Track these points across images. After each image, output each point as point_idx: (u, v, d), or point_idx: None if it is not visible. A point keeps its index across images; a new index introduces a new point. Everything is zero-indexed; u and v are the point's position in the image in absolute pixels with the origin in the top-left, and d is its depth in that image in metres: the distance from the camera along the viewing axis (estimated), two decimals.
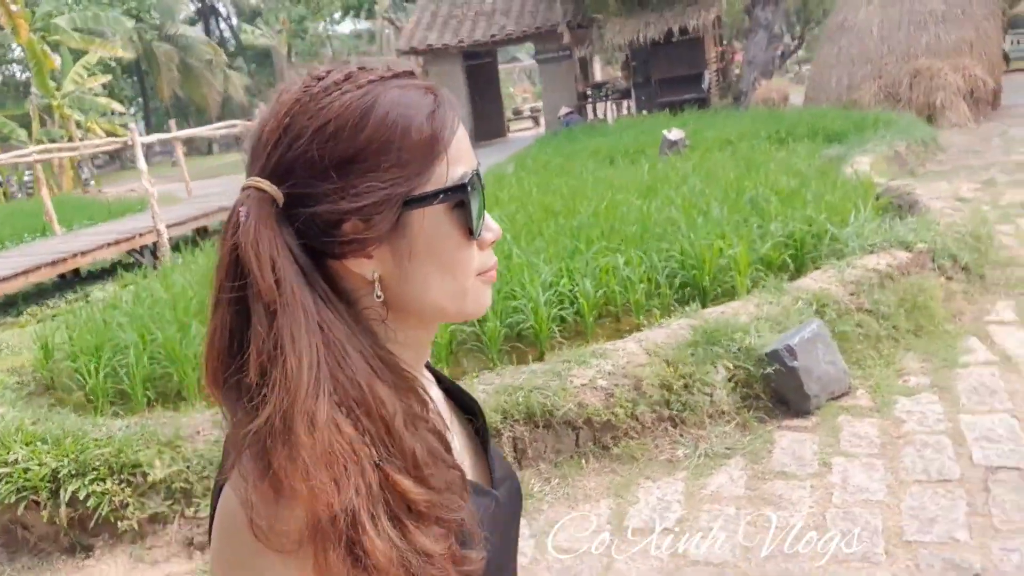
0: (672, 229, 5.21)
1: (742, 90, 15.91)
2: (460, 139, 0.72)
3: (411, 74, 0.73)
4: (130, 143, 9.10)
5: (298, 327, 0.64)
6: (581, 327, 4.47)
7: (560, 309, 4.46)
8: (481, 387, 3.65)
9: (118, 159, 36.52)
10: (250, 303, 0.65)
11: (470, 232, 0.71)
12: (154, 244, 8.80)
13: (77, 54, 21.34)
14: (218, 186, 16.55)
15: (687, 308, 4.24)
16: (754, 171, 6.98)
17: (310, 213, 0.67)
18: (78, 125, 20.37)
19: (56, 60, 19.78)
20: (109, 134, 20.56)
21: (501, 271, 4.71)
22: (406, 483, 0.66)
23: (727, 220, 5.14)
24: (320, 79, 0.70)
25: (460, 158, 0.71)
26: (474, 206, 0.71)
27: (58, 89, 19.53)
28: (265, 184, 0.67)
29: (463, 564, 0.69)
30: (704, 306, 4.47)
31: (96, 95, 21.79)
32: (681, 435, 3.62)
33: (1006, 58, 21.41)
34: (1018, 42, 22.00)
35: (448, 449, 0.74)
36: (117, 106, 20.86)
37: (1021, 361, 3.93)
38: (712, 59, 17.30)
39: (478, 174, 0.73)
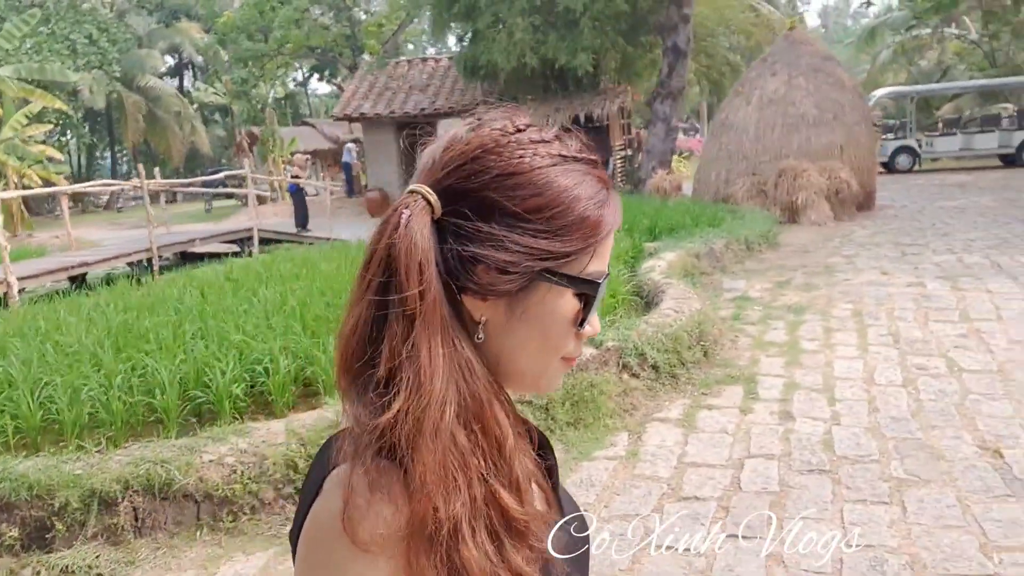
0: None
1: (641, 177, 16.57)
2: (610, 240, 0.77)
3: (596, 163, 0.77)
4: None
5: (435, 335, 0.67)
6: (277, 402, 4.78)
7: (252, 385, 4.78)
8: (118, 457, 3.93)
9: (80, 204, 36.86)
10: (390, 302, 0.68)
11: (579, 323, 0.76)
12: (4, 294, 9.06)
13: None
14: (134, 235, 16.86)
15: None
16: None
17: (456, 244, 0.70)
18: (15, 171, 20.68)
19: None
20: (44, 181, 20.92)
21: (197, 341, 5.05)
22: (509, 500, 0.69)
23: None
24: (520, 131, 0.74)
25: (603, 257, 0.76)
26: (593, 304, 0.76)
27: None
28: (433, 197, 0.71)
29: None
30: None
31: (38, 142, 22.18)
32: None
33: (916, 157, 22.46)
34: (931, 144, 23.01)
35: (544, 480, 0.78)
36: (55, 154, 21.24)
37: (643, 458, 4.27)
38: (618, 146, 18.03)
39: (607, 277, 0.78)
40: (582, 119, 17.18)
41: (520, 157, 0.71)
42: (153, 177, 31.65)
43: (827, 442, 4.25)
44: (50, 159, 21.16)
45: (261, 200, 21.58)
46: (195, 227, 16.13)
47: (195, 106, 42.25)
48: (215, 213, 23.35)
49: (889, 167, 22.63)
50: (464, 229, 0.70)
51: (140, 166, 12.24)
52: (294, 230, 15.09)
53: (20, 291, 9.27)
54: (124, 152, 46.16)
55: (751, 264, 9.46)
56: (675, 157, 23.61)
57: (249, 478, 3.89)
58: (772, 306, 7.33)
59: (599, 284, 0.75)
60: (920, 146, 22.85)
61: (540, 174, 0.71)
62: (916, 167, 22.65)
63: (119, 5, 38.84)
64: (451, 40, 21.03)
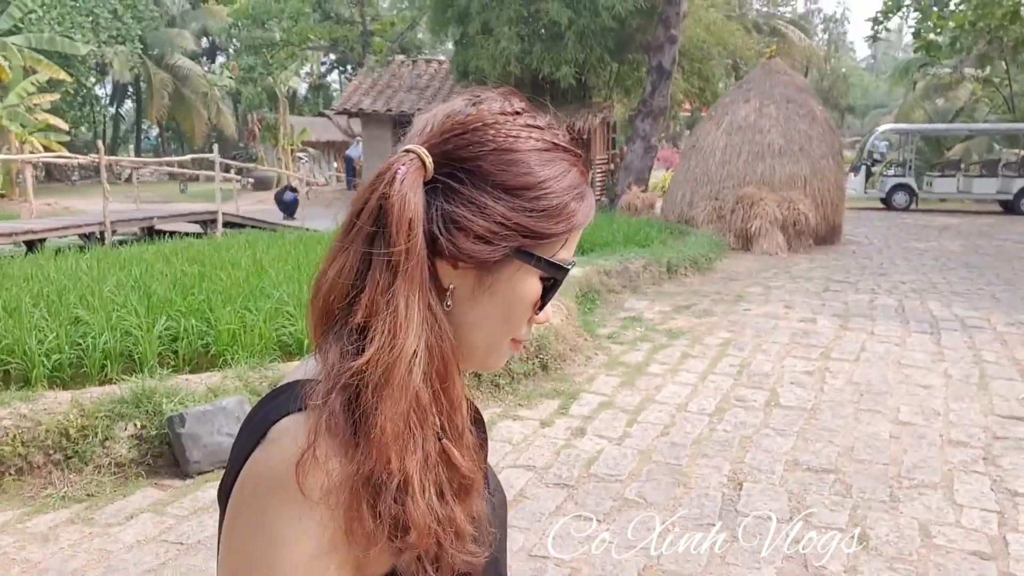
0: (263, 296, 5.76)
1: (617, 193, 16.63)
2: (579, 233, 0.80)
3: (580, 156, 0.81)
4: None
5: (414, 291, 0.69)
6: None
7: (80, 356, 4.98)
8: None
9: (97, 175, 37.65)
10: (375, 252, 0.70)
11: (538, 306, 0.79)
12: None
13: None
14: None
15: (163, 370, 4.75)
16: None
17: (446, 204, 0.72)
18: (18, 138, 21.26)
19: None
20: (46, 149, 21.49)
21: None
22: (460, 459, 0.72)
23: (291, 299, 5.70)
24: (517, 114, 0.77)
25: (571, 246, 0.80)
26: (555, 289, 0.79)
27: (0, 100, 20.53)
28: (428, 159, 0.73)
29: (467, 554, 0.73)
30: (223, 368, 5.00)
31: (44, 111, 22.76)
32: (60, 479, 4.09)
33: (913, 196, 22.22)
34: (930, 184, 22.77)
35: (478, 454, 0.80)
36: (59, 123, 21.80)
37: None
38: (599, 160, 18.12)
39: (572, 266, 0.81)
40: (564, 131, 17.29)
41: (516, 136, 0.74)
42: (183, 154, 32.04)
43: (592, 460, 4.34)
44: (52, 127, 21.69)
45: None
46: (164, 206, 16.52)
47: (218, 88, 43.08)
48: (198, 195, 23.76)
49: (887, 203, 22.46)
50: (455, 192, 0.72)
51: (116, 149, 12.53)
52: (262, 216, 15.36)
53: None
54: (151, 127, 47.18)
55: (669, 287, 9.50)
56: (667, 173, 23.62)
57: (21, 441, 4.08)
58: (655, 328, 7.40)
59: (567, 270, 0.78)
60: (921, 185, 22.63)
61: (533, 156, 0.75)
62: (913, 206, 22.41)
63: None
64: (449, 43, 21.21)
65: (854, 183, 23.21)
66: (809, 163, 13.68)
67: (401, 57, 23.90)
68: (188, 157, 16.02)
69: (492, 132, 0.74)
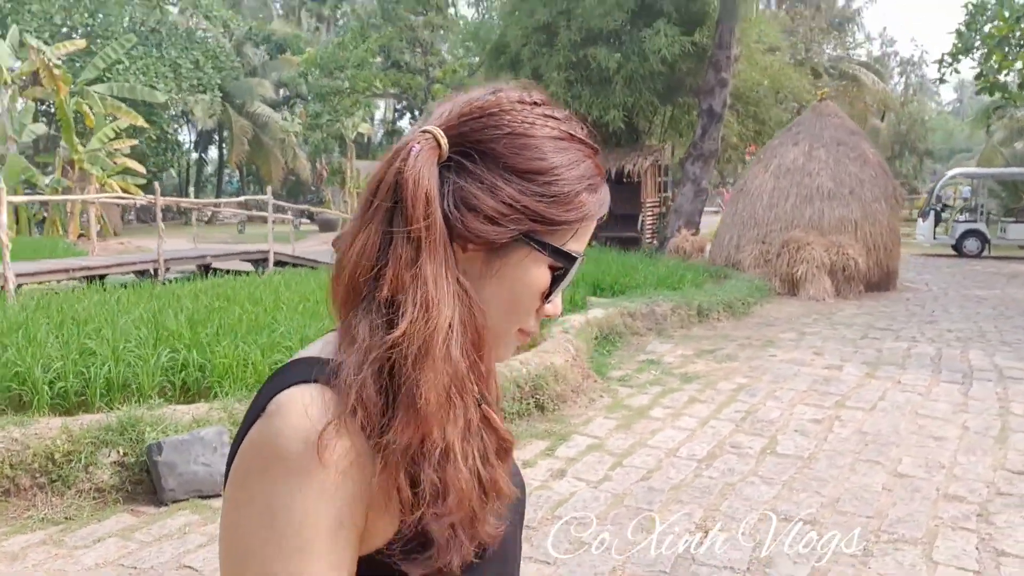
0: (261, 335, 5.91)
1: (667, 236, 16.49)
2: (591, 226, 0.80)
3: (597, 151, 0.82)
4: None
5: (440, 265, 0.70)
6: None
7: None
8: None
9: (183, 216, 39.47)
10: (395, 226, 0.70)
11: (545, 295, 0.79)
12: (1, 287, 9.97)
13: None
14: (175, 246, 18.04)
15: (159, 400, 4.91)
16: None
17: (456, 184, 0.73)
18: (99, 180, 22.51)
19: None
20: (122, 190, 22.66)
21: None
22: (500, 423, 0.74)
23: (295, 334, 5.82)
24: (536, 104, 0.78)
25: (582, 238, 0.80)
26: (564, 280, 0.79)
27: (83, 145, 21.81)
28: (443, 139, 0.74)
29: (491, 525, 0.73)
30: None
31: (124, 156, 24.03)
32: (43, 502, 4.24)
33: (986, 243, 21.31)
34: (1004, 230, 21.84)
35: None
36: (136, 166, 23.00)
37: None
38: (650, 203, 18.03)
39: (582, 258, 0.81)
40: (613, 174, 17.32)
41: (532, 123, 0.76)
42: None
43: (562, 502, 4.27)
44: (130, 171, 22.88)
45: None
46: (220, 245, 17.19)
47: (293, 134, 44.86)
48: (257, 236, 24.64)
49: (958, 250, 21.61)
50: (467, 172, 0.73)
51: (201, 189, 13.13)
52: (319, 257, 15.79)
53: (18, 287, 10.15)
54: (232, 171, 49.35)
55: (698, 331, 9.32)
56: None
57: (10, 464, 4.26)
58: (671, 372, 7.25)
59: (575, 259, 0.78)
60: (994, 232, 21.71)
61: (547, 143, 0.76)
62: (986, 252, 21.47)
63: (238, 37, 41.74)
64: None
65: (923, 228, 22.48)
66: (860, 207, 13.30)
67: None
68: (243, 199, 16.70)
69: (508, 118, 0.75)
